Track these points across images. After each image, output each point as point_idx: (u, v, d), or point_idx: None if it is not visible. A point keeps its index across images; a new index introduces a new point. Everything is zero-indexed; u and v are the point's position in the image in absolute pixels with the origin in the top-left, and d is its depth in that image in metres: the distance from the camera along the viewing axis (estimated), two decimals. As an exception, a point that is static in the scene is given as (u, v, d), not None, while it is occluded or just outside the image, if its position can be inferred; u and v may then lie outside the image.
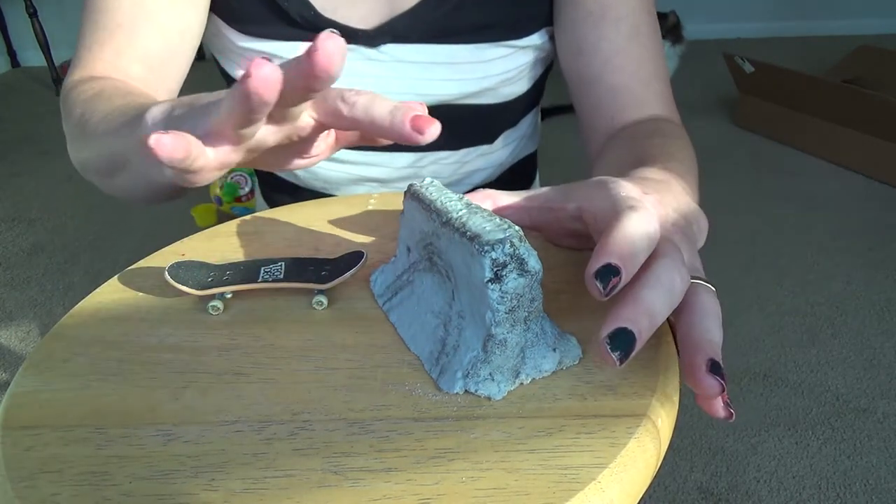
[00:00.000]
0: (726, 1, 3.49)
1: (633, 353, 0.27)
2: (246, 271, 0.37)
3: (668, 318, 0.33)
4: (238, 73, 0.61)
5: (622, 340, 0.27)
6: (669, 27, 2.35)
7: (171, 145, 0.26)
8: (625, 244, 0.28)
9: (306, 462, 0.26)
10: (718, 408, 0.29)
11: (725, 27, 3.51)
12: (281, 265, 0.38)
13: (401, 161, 0.63)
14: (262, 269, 0.38)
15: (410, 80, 0.58)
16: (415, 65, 0.58)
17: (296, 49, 0.57)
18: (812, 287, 1.59)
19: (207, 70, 0.70)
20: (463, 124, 0.62)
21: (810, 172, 2.11)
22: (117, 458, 0.27)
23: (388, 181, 0.65)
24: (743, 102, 2.40)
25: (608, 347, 0.27)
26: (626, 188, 0.33)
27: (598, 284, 0.28)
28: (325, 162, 0.64)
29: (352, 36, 0.56)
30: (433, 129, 0.29)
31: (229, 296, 0.37)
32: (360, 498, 0.25)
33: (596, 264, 0.28)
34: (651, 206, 0.33)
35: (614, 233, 0.29)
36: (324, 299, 0.36)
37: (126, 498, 0.25)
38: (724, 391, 0.28)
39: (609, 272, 0.28)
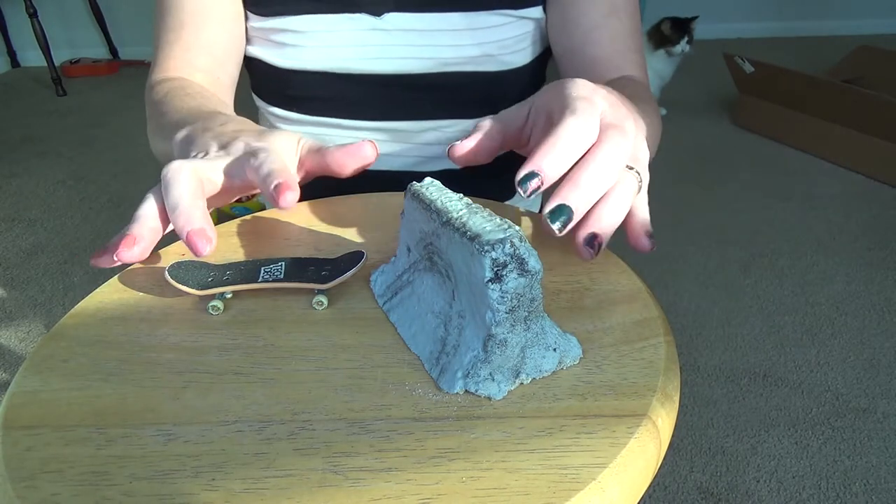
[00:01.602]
0: (726, 1, 3.49)
1: (570, 225, 0.33)
2: (246, 271, 0.37)
3: (666, 316, 0.33)
4: (249, 51, 0.66)
5: (559, 213, 0.32)
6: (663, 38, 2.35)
7: (139, 256, 0.36)
8: (552, 150, 0.33)
9: (307, 462, 0.26)
10: (643, 244, 0.36)
11: (725, 27, 3.51)
12: (281, 265, 0.38)
13: (405, 127, 0.66)
14: (262, 269, 0.37)
15: (414, 46, 0.61)
16: (417, 32, 0.61)
17: (308, 23, 0.60)
18: (812, 287, 1.59)
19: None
20: (466, 92, 0.65)
21: (810, 172, 2.11)
22: (118, 458, 0.27)
23: (388, 142, 0.67)
24: (743, 102, 2.40)
25: (548, 220, 0.32)
26: (579, 86, 0.36)
27: (520, 189, 0.33)
28: (328, 129, 0.67)
29: (357, 4, 0.60)
30: (288, 197, 0.36)
31: (229, 296, 0.37)
32: (361, 498, 0.25)
33: (521, 171, 0.33)
34: (600, 98, 0.35)
35: (545, 140, 0.33)
36: (324, 299, 0.36)
37: (126, 498, 0.25)
38: (593, 256, 0.34)
39: (529, 177, 0.33)
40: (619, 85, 0.57)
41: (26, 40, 3.36)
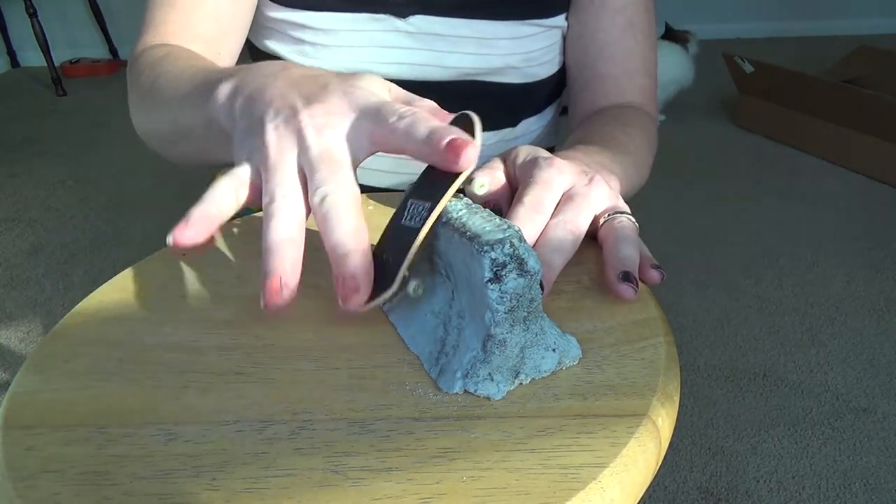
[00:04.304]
0: (726, 1, 3.49)
1: (549, 287, 0.34)
2: (403, 237, 0.31)
3: (666, 316, 0.34)
4: (266, 44, 0.62)
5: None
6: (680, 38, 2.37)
7: (191, 238, 0.31)
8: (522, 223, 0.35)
9: (307, 462, 0.26)
10: (653, 277, 0.35)
11: (725, 27, 3.51)
12: (412, 203, 0.32)
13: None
14: (409, 210, 0.32)
15: (437, 52, 0.60)
16: (441, 38, 0.59)
17: (330, 20, 0.58)
18: (812, 287, 1.59)
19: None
20: (486, 103, 0.63)
21: (810, 172, 2.11)
22: (118, 458, 0.27)
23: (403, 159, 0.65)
24: (743, 102, 2.40)
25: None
26: (542, 168, 0.37)
27: None
28: None
29: (382, 4, 0.58)
30: (470, 153, 0.29)
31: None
32: (362, 497, 0.25)
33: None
34: (558, 163, 0.37)
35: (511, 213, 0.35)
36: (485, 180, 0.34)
37: (127, 497, 0.25)
38: (636, 292, 0.33)
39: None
40: (608, 118, 0.58)
41: (26, 40, 3.36)
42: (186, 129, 0.43)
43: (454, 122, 0.32)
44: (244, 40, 0.59)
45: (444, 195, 0.30)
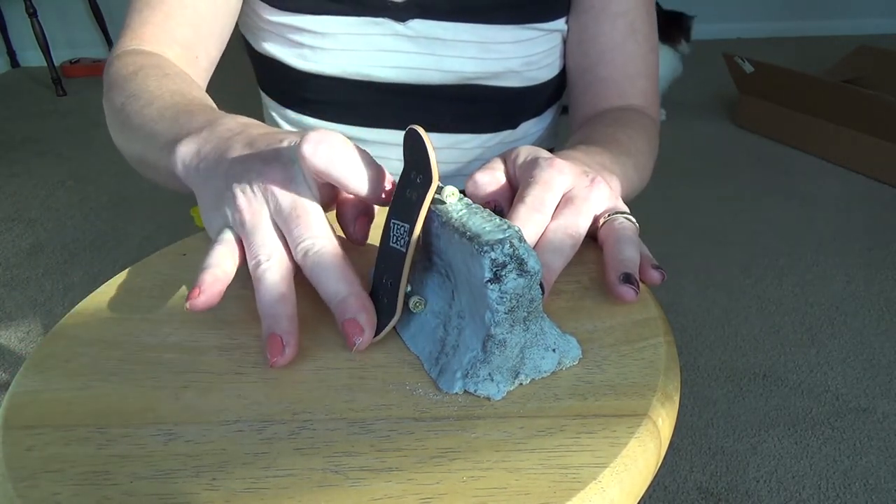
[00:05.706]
0: (726, 1, 3.49)
1: (549, 289, 0.34)
2: (391, 259, 0.32)
3: (666, 316, 0.34)
4: (264, 47, 0.61)
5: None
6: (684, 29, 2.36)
7: (205, 303, 0.31)
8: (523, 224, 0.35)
9: (307, 462, 0.26)
10: (653, 278, 0.35)
11: (725, 27, 3.51)
12: (393, 223, 0.32)
13: None
14: (390, 245, 0.32)
15: (436, 56, 0.59)
16: (441, 41, 0.59)
17: (329, 24, 0.58)
18: (812, 287, 1.59)
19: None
20: (486, 107, 0.64)
21: (810, 172, 2.11)
22: (118, 458, 0.27)
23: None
24: (743, 102, 2.40)
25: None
26: (543, 169, 0.37)
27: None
28: None
29: (381, 8, 0.57)
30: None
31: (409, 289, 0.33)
32: (361, 497, 0.25)
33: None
34: (557, 174, 0.37)
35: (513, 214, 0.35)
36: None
37: (127, 497, 0.25)
38: (637, 294, 0.33)
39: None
40: (609, 119, 0.57)
41: (26, 40, 3.36)
42: (152, 163, 0.44)
43: (405, 140, 0.32)
44: (224, 44, 0.59)
45: (418, 216, 0.31)
